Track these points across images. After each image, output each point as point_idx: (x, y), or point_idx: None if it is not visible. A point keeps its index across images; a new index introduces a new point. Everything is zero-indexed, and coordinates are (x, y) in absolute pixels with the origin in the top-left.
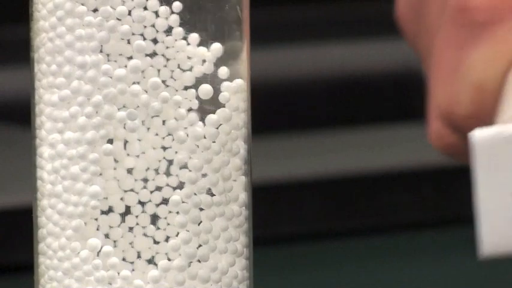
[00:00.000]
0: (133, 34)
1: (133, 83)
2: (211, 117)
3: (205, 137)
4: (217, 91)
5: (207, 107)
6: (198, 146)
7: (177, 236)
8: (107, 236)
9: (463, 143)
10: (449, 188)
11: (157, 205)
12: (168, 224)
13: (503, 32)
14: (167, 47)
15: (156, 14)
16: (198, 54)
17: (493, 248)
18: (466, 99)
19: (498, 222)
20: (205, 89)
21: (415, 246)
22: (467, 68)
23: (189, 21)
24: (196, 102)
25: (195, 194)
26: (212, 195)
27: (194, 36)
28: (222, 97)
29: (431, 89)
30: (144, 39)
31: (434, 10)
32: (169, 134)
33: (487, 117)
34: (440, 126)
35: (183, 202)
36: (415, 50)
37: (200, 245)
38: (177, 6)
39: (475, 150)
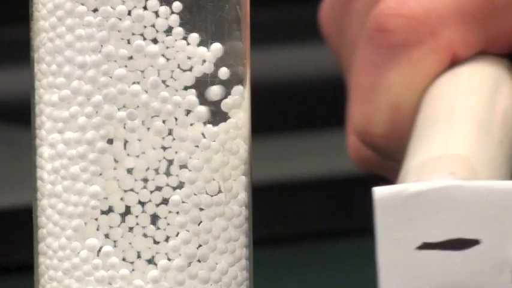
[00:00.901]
0: (133, 34)
1: (133, 83)
2: (211, 117)
3: (205, 137)
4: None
5: (207, 107)
6: (197, 146)
7: (177, 236)
8: (106, 236)
9: (379, 158)
10: None
11: (157, 205)
12: (168, 224)
13: (420, 55)
14: (167, 47)
15: (156, 14)
16: (198, 54)
17: None
18: (381, 119)
19: (398, 279)
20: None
21: None
22: (384, 88)
23: (189, 21)
24: (197, 102)
25: (195, 194)
26: (212, 195)
27: (194, 36)
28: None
29: (349, 106)
30: (144, 39)
31: (355, 22)
32: (169, 134)
33: (400, 138)
34: (356, 140)
35: (183, 202)
36: (338, 59)
37: (200, 245)
38: (177, 6)
39: (375, 208)
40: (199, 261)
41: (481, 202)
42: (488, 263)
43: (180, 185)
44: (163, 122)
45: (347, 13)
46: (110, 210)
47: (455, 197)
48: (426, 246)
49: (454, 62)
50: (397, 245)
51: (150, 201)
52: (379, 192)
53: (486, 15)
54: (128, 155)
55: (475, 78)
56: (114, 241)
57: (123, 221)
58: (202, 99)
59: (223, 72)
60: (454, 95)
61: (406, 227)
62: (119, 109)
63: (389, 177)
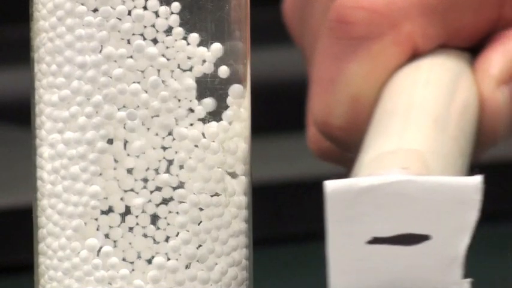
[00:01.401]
0: (133, 34)
1: (133, 82)
2: (211, 117)
3: (204, 137)
4: (217, 90)
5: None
6: (197, 146)
7: (177, 236)
8: (106, 236)
9: (338, 150)
10: None
11: (157, 205)
12: (168, 224)
13: (380, 47)
14: (167, 47)
15: (156, 14)
16: (198, 54)
17: None
18: (341, 111)
19: (348, 272)
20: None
21: None
22: (344, 80)
23: (189, 21)
24: (196, 102)
25: (195, 194)
26: (212, 195)
27: (194, 36)
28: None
29: (310, 97)
30: (144, 39)
31: (317, 13)
32: (169, 134)
33: (359, 131)
34: (316, 131)
35: (183, 202)
36: (301, 50)
37: (200, 245)
38: (177, 6)
39: (326, 201)
40: (198, 261)
41: (432, 198)
42: (438, 259)
43: (180, 185)
44: (163, 122)
45: (309, 4)
46: (110, 210)
47: (406, 192)
48: (376, 240)
49: (415, 55)
50: (347, 239)
51: (150, 201)
52: (331, 185)
53: (447, 8)
54: (128, 155)
55: (435, 72)
56: (114, 241)
57: (123, 221)
58: (202, 99)
59: (223, 72)
60: (413, 88)
61: (356, 221)
62: (118, 109)
63: (349, 169)
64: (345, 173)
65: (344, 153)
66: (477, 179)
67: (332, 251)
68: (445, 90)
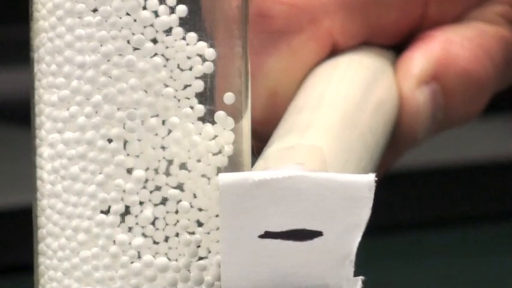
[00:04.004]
0: (133, 34)
1: (133, 82)
2: (211, 117)
3: (204, 137)
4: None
5: (206, 107)
6: (197, 146)
7: (176, 236)
8: (106, 236)
9: (258, 144)
10: (453, 187)
11: (157, 205)
12: (167, 224)
13: (299, 42)
14: (167, 47)
15: (156, 13)
16: (198, 54)
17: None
18: (260, 104)
19: (240, 266)
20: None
21: (416, 246)
22: (263, 74)
23: (189, 21)
24: (196, 101)
25: (195, 194)
26: (211, 195)
27: (194, 36)
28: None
29: None
30: (144, 39)
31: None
32: (169, 134)
33: (277, 125)
34: None
35: (182, 202)
36: None
37: (199, 245)
38: (176, 6)
39: (220, 194)
40: (198, 261)
41: (325, 194)
42: (331, 255)
43: (180, 185)
44: (163, 122)
45: None
46: (110, 210)
47: (299, 187)
48: (269, 235)
49: (335, 51)
50: (239, 233)
51: (149, 201)
52: (224, 178)
53: (369, 5)
54: (128, 155)
55: (352, 69)
56: (114, 241)
57: (123, 221)
58: (202, 99)
59: (223, 72)
60: (326, 85)
61: (249, 215)
62: (118, 109)
63: None
64: None
65: (264, 147)
66: (370, 177)
67: (224, 244)
68: (359, 88)
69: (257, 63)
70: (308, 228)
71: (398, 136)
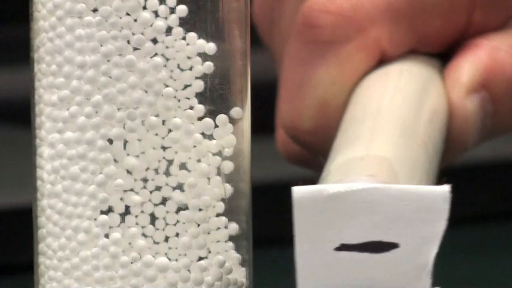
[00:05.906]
0: (133, 34)
1: (133, 82)
2: (211, 117)
3: (204, 137)
4: (217, 90)
5: (206, 107)
6: (197, 146)
7: (176, 236)
8: (106, 236)
9: (307, 154)
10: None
11: (157, 205)
12: (167, 224)
13: (347, 52)
14: (167, 47)
15: (156, 13)
16: (198, 54)
17: None
18: (309, 115)
19: (316, 279)
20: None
21: None
22: (312, 85)
23: (189, 21)
24: (196, 101)
25: (194, 194)
26: (211, 195)
27: (194, 36)
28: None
29: (279, 100)
30: (144, 39)
31: (287, 16)
32: (169, 134)
33: (328, 135)
34: (284, 135)
35: (182, 202)
36: (270, 52)
37: (199, 246)
38: (176, 6)
39: (294, 207)
40: (198, 261)
41: (400, 206)
42: (407, 267)
43: (180, 185)
44: (163, 122)
45: (279, 6)
46: (110, 210)
47: (373, 199)
48: (344, 247)
49: (383, 60)
50: (315, 246)
51: (149, 201)
52: (298, 191)
53: (416, 13)
54: (128, 155)
55: (404, 78)
56: (114, 241)
57: (122, 221)
58: (202, 99)
59: (223, 72)
60: (381, 94)
61: (324, 228)
62: (118, 109)
63: (317, 173)
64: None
65: (312, 157)
66: (445, 188)
67: (300, 257)
68: (413, 97)
69: (305, 74)
70: (384, 240)
71: (448, 144)
